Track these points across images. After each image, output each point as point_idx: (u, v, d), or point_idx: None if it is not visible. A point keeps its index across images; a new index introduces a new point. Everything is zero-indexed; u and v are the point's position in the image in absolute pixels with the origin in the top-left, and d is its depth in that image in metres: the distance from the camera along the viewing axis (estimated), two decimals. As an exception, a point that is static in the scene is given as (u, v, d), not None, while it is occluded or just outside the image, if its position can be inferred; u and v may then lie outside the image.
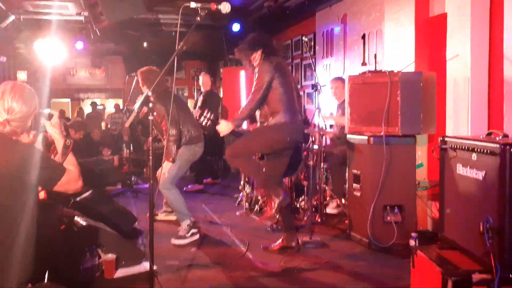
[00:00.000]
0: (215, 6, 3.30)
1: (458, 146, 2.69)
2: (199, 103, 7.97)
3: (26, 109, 2.23)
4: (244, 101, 10.09)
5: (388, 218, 4.25)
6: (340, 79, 5.97)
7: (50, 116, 2.37)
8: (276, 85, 4.06)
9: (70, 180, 2.26)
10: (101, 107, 15.47)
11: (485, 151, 2.44)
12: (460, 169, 2.67)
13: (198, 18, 3.28)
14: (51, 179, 2.23)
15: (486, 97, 4.40)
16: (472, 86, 4.38)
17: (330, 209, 5.64)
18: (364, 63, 6.22)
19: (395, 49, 5.37)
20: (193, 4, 3.21)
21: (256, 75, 4.08)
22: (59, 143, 2.38)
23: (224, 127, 4.10)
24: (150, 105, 3.42)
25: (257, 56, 4.18)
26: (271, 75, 4.03)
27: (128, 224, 4.75)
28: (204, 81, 8.06)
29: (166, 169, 4.76)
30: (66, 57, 11.92)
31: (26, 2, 7.60)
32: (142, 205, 6.18)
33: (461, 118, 4.47)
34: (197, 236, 4.69)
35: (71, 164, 2.32)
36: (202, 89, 8.11)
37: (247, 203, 5.88)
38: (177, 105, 4.86)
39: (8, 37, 9.56)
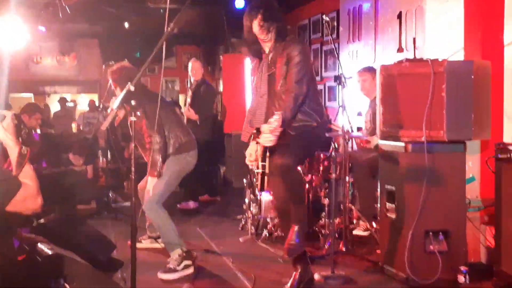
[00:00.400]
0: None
1: (518, 157, 2.69)
2: (188, 99, 7.99)
3: None
4: (249, 96, 10.17)
5: (431, 247, 4.24)
6: (369, 70, 5.99)
7: (1, 118, 2.38)
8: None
9: (27, 197, 2.28)
10: (71, 104, 15.53)
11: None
12: (521, 187, 2.67)
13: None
14: (3, 195, 2.24)
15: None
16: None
17: (358, 230, 5.64)
18: (400, 49, 6.23)
19: (440, 31, 5.36)
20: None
21: (289, 58, 4.04)
22: (13, 151, 2.38)
23: (268, 137, 3.83)
24: (133, 102, 3.45)
25: (278, 31, 4.13)
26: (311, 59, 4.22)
27: (104, 253, 4.78)
28: (194, 68, 8.05)
29: (151, 186, 4.78)
30: (28, 41, 12.05)
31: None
32: (122, 229, 6.20)
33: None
34: (191, 270, 4.71)
35: (28, 177, 2.33)
36: (192, 79, 8.12)
37: (253, 227, 5.88)
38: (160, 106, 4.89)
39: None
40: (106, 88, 6.79)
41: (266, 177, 4.26)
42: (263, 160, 4.21)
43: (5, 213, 2.85)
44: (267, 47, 4.22)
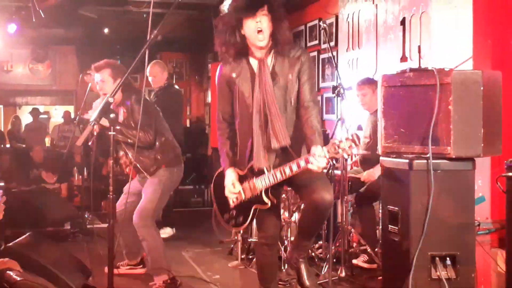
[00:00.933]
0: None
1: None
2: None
3: None
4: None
5: (437, 273, 4.25)
6: (369, 83, 6.02)
7: None
8: None
9: None
10: (45, 116, 15.58)
11: None
12: (533, 207, 2.69)
13: (176, -1, 3.35)
14: None
15: None
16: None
17: (358, 260, 5.64)
18: (404, 58, 6.28)
19: (447, 39, 5.42)
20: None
21: (302, 70, 3.84)
22: None
23: (323, 161, 3.55)
24: (112, 115, 3.48)
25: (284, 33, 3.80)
26: None
27: (79, 280, 4.78)
28: (153, 73, 7.38)
29: (145, 200, 4.81)
30: (-2, 48, 12.07)
31: None
32: (98, 253, 6.19)
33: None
34: (174, 299, 4.71)
35: None
36: (153, 85, 7.51)
37: (243, 251, 5.89)
38: (152, 112, 4.94)
39: None
40: (83, 99, 6.82)
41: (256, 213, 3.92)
42: (266, 194, 3.82)
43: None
44: (260, 51, 3.82)
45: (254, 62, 3.84)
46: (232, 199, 3.93)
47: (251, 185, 3.83)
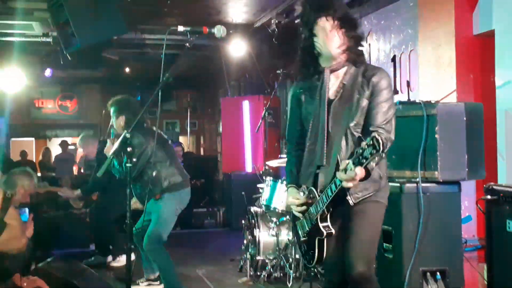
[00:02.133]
0: (207, 30, 3.44)
1: (507, 197, 2.73)
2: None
3: None
4: (248, 137, 10.28)
5: (429, 286, 4.23)
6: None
7: None
8: None
9: (11, 237, 2.35)
10: (72, 147, 15.65)
11: (540, 204, 2.47)
12: (511, 226, 2.70)
13: (188, 44, 3.42)
14: None
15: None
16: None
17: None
18: (394, 92, 6.33)
19: (433, 74, 5.47)
20: (180, 28, 3.36)
21: (375, 89, 3.03)
22: None
23: (350, 172, 2.72)
24: (129, 149, 3.53)
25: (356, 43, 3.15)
26: None
27: (102, 296, 4.79)
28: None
29: (152, 226, 4.82)
30: (30, 87, 12.22)
31: (-18, 22, 7.87)
32: (121, 271, 6.18)
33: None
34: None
35: (12, 218, 2.41)
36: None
37: (251, 268, 5.87)
38: (158, 143, 4.95)
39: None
40: (106, 132, 6.89)
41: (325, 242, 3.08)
42: (321, 222, 3.03)
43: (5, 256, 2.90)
44: (331, 61, 3.13)
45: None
46: (299, 214, 3.17)
47: (308, 213, 3.11)
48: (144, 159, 4.74)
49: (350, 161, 2.71)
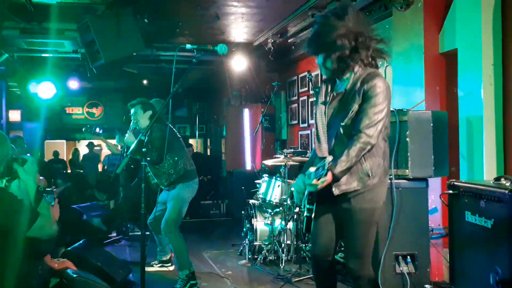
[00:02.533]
0: (211, 47, 3.46)
1: (466, 192, 2.74)
2: None
3: None
4: (248, 140, 10.31)
5: (400, 268, 4.23)
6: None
7: (23, 162, 2.48)
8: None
9: (44, 225, 2.36)
10: (98, 148, 15.65)
11: (493, 198, 2.49)
12: (469, 217, 2.71)
13: (194, 60, 3.44)
14: (24, 224, 2.32)
15: (502, 138, 4.46)
16: (486, 125, 4.45)
17: (337, 256, 5.61)
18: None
19: (405, 86, 5.48)
20: (188, 46, 3.37)
21: (370, 91, 2.84)
22: (32, 188, 2.49)
23: (312, 185, 2.74)
24: (144, 150, 3.54)
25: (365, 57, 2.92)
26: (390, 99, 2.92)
27: (122, 276, 4.79)
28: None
29: (169, 212, 4.83)
30: (62, 96, 12.25)
31: (20, 40, 7.87)
32: (137, 254, 6.18)
33: (476, 161, 4.51)
34: (194, 290, 4.70)
35: (44, 209, 2.43)
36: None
37: (250, 252, 5.88)
38: (171, 135, 4.98)
39: (1, 76, 9.86)
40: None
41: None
42: (310, 203, 3.04)
43: (32, 240, 2.92)
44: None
45: None
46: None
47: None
48: (165, 147, 4.77)
49: (312, 173, 2.71)
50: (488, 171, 4.37)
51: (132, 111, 5.11)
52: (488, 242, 2.48)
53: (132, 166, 7.70)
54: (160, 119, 4.77)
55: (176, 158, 4.93)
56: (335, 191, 2.87)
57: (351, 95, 2.91)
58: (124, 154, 3.46)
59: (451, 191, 2.88)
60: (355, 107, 2.85)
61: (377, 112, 2.79)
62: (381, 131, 2.82)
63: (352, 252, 2.98)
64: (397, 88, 5.56)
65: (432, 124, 4.29)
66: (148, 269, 5.09)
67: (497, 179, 2.75)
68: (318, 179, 2.66)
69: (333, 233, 3.04)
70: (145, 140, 3.48)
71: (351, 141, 2.78)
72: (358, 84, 2.88)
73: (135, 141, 3.43)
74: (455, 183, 2.88)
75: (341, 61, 2.86)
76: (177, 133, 5.28)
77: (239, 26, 7.77)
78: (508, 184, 2.58)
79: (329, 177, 2.69)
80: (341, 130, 2.88)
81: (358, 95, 2.85)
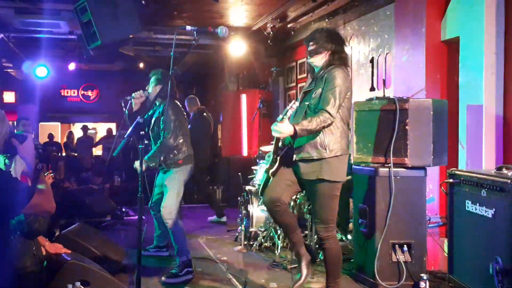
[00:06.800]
0: (211, 29, 3.40)
1: (467, 181, 2.73)
2: None
3: None
4: (245, 126, 10.26)
5: (397, 257, 4.25)
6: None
7: (23, 139, 2.46)
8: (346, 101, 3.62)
9: (42, 202, 2.34)
10: (93, 131, 15.60)
11: (494, 187, 2.47)
12: (469, 206, 2.70)
13: (194, 42, 3.39)
14: (19, 202, 2.29)
15: (502, 127, 4.45)
16: (486, 115, 4.44)
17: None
18: (372, 89, 6.32)
19: (405, 74, 5.44)
20: (188, 28, 3.32)
21: (327, 79, 3.55)
22: (31, 166, 2.48)
23: (285, 128, 3.42)
24: (141, 132, 3.49)
25: (325, 56, 3.69)
26: (349, 85, 3.64)
27: (117, 259, 4.78)
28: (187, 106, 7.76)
29: (167, 197, 4.80)
30: (57, 78, 12.16)
31: (15, 20, 7.77)
32: (132, 239, 6.18)
33: (475, 150, 4.50)
34: (190, 276, 4.67)
35: (43, 184, 2.41)
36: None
37: (245, 239, 5.88)
38: (182, 119, 4.94)
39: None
40: (123, 118, 6.84)
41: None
42: (272, 162, 3.73)
43: (29, 220, 2.89)
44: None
45: None
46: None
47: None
48: (173, 127, 4.73)
49: (279, 119, 3.41)
50: (487, 160, 4.36)
51: (153, 77, 5.08)
52: (489, 231, 2.47)
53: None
54: (172, 97, 4.73)
55: (181, 141, 4.89)
56: (295, 157, 3.57)
57: (318, 82, 3.65)
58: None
59: (451, 180, 2.86)
60: (320, 91, 3.56)
61: (333, 94, 3.47)
62: (338, 108, 3.48)
63: (317, 218, 3.62)
64: (397, 75, 5.53)
65: (432, 112, 4.28)
66: (143, 253, 5.07)
67: (499, 168, 2.73)
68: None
69: (284, 190, 3.68)
70: (154, 120, 3.41)
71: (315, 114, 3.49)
72: (325, 75, 3.60)
73: (133, 124, 3.38)
74: (456, 171, 2.86)
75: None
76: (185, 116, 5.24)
77: (238, 10, 7.70)
78: (510, 173, 2.56)
79: (291, 127, 3.37)
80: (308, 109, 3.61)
81: (322, 82, 3.58)
